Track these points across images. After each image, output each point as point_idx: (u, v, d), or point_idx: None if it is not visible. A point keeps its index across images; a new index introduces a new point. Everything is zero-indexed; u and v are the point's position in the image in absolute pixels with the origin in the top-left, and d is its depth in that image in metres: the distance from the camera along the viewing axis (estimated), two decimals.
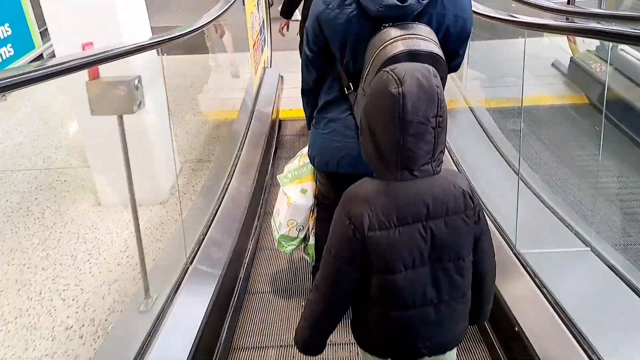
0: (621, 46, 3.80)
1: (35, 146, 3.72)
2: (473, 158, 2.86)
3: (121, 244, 2.72)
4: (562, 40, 4.69)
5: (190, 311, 1.71)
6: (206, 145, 3.72)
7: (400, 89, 1.01)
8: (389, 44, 1.32)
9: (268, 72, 4.32)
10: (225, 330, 1.90)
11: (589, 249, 1.85)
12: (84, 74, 1.38)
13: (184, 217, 2.75)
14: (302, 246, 2.13)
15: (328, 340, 1.25)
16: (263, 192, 3.01)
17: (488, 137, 3.12)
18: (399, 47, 1.29)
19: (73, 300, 2.36)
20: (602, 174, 2.87)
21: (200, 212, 2.35)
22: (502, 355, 1.76)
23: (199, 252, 2.01)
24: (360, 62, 1.44)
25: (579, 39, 4.50)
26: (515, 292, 1.76)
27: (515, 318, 1.65)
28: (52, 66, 1.08)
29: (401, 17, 1.36)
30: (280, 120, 4.07)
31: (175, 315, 1.64)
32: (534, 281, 1.73)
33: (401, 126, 1.02)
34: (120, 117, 1.46)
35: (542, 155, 3.16)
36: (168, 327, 1.58)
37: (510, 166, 2.73)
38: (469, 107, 3.68)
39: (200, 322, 1.68)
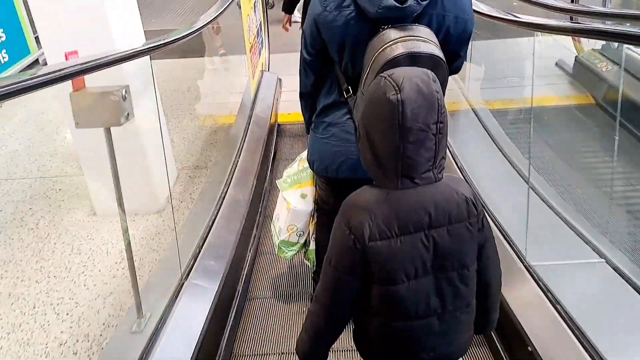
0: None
1: (30, 154, 3.66)
2: (478, 163, 2.78)
3: (117, 255, 2.65)
4: (566, 39, 4.61)
5: (186, 330, 1.64)
6: (203, 152, 3.65)
7: (399, 95, 0.99)
8: (388, 46, 1.29)
9: (266, 76, 4.25)
10: (223, 348, 1.83)
11: (603, 260, 1.77)
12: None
13: (180, 227, 2.69)
14: (303, 251, 2.10)
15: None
16: (262, 199, 2.94)
17: (493, 140, 3.04)
18: (399, 49, 1.27)
19: (67, 314, 2.29)
20: (615, 180, 2.79)
21: (196, 223, 2.28)
22: None
23: (194, 267, 1.94)
24: (359, 65, 1.40)
25: (583, 38, 4.42)
26: (526, 307, 1.68)
27: (528, 337, 1.57)
28: (29, 79, 1.00)
29: (400, 19, 1.33)
30: (279, 125, 4.00)
31: (170, 336, 1.57)
32: (547, 296, 1.65)
33: (401, 133, 0.99)
34: (108, 130, 1.38)
35: (550, 159, 3.08)
36: (162, 349, 1.51)
37: (516, 170, 2.65)
38: (472, 109, 3.60)
39: (196, 342, 1.61)
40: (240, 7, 3.34)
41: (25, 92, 0.95)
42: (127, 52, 1.51)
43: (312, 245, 2.04)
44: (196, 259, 2.00)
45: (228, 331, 1.92)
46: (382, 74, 1.05)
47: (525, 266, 1.82)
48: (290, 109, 4.15)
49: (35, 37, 4.74)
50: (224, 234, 2.27)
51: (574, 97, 4.37)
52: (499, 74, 4.38)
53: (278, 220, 2.04)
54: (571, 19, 4.38)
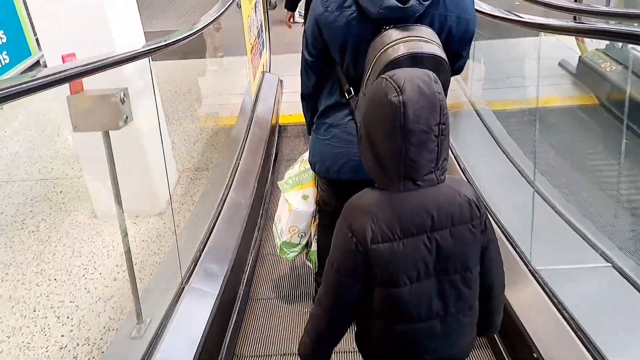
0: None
1: (30, 156, 3.65)
2: (480, 165, 2.76)
3: (117, 257, 2.63)
4: (569, 39, 4.58)
5: (186, 335, 1.62)
6: (204, 153, 3.63)
7: (400, 97, 0.98)
8: (390, 46, 1.28)
9: (267, 77, 4.23)
10: (224, 353, 1.81)
11: (610, 265, 1.74)
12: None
13: (180, 230, 2.67)
14: (304, 253, 2.10)
15: None
16: (263, 202, 2.92)
17: (496, 141, 3.01)
18: (401, 50, 1.26)
19: (68, 317, 2.28)
20: (622, 182, 2.76)
21: (196, 226, 2.26)
22: None
23: (195, 270, 1.92)
24: (361, 65, 1.40)
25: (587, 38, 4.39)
26: (532, 313, 1.66)
27: (534, 345, 1.54)
28: (25, 83, 0.98)
29: (402, 19, 1.32)
30: (280, 126, 3.98)
31: (170, 341, 1.55)
32: (552, 301, 1.62)
33: (403, 135, 0.98)
34: (106, 134, 1.36)
35: (553, 160, 3.05)
36: (162, 355, 1.49)
37: (519, 171, 2.62)
38: (475, 110, 3.58)
39: (196, 348, 1.59)
40: (240, 8, 3.32)
41: (22, 96, 0.93)
42: (125, 55, 1.50)
43: (314, 247, 2.03)
44: (197, 262, 1.98)
45: (229, 335, 1.90)
46: (382, 76, 1.04)
47: (529, 270, 1.80)
48: (292, 110, 4.13)
49: (36, 39, 4.74)
50: (225, 237, 2.25)
51: (577, 97, 4.34)
52: (501, 74, 4.35)
53: (280, 221, 2.03)
54: (575, 18, 4.35)
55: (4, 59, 4.19)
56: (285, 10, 3.98)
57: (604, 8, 3.86)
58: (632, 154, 3.13)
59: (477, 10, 1.53)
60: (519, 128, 3.32)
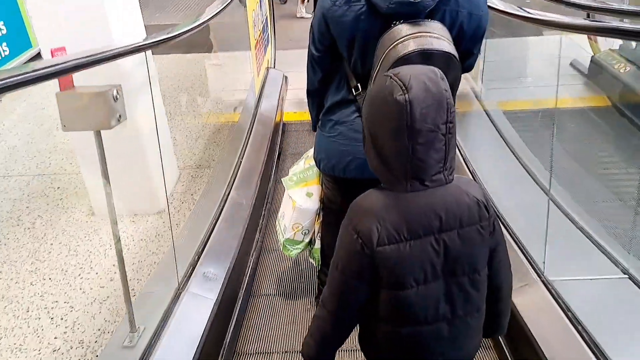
0: None
1: (28, 150, 3.57)
2: (491, 168, 2.67)
3: (114, 257, 2.52)
4: (581, 37, 4.48)
5: (182, 345, 1.54)
6: (206, 150, 3.55)
7: (406, 95, 0.95)
8: (399, 42, 1.26)
9: (271, 73, 4.15)
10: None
11: (627, 276, 1.66)
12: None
13: (180, 229, 2.60)
14: (308, 250, 2.09)
15: None
16: (265, 201, 2.84)
17: (507, 144, 2.92)
18: (411, 46, 1.24)
19: (62, 319, 2.21)
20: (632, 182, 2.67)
21: (196, 226, 2.18)
22: None
23: (193, 274, 1.84)
24: (369, 61, 1.37)
25: (600, 37, 4.29)
26: (545, 326, 1.57)
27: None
28: (9, 78, 0.90)
29: (413, 15, 1.29)
30: (284, 123, 3.90)
31: (164, 352, 1.47)
32: (567, 315, 1.54)
33: (409, 135, 0.96)
34: (98, 133, 1.28)
35: (561, 160, 2.96)
36: None
37: (529, 173, 2.54)
38: (485, 110, 3.49)
39: (192, 358, 1.50)
40: (241, 3, 3.24)
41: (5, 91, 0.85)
42: (121, 49, 1.41)
43: (318, 244, 2.01)
44: (195, 266, 1.91)
45: (227, 344, 1.82)
46: (386, 73, 1.01)
47: (542, 281, 1.71)
48: (297, 108, 4.06)
49: None
50: (225, 238, 2.18)
51: (589, 98, 4.24)
52: (513, 74, 4.27)
53: (283, 218, 2.01)
54: (588, 16, 4.25)
55: (3, 51, 4.12)
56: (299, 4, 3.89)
57: (618, 6, 3.77)
58: None
59: (489, 7, 1.47)
60: (526, 127, 3.24)
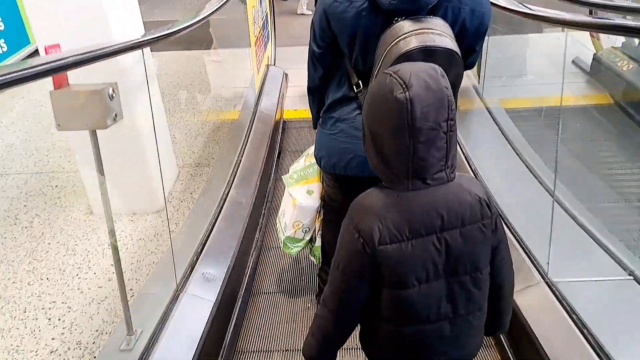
0: None
1: (27, 148, 3.54)
2: (492, 166, 2.64)
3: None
4: (583, 35, 4.45)
5: (180, 348, 1.52)
6: (206, 148, 3.52)
7: (407, 93, 0.93)
8: (401, 39, 1.24)
9: (272, 70, 4.11)
10: None
11: (632, 278, 1.63)
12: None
13: (179, 229, 2.57)
14: (309, 248, 2.08)
15: None
16: (265, 200, 2.82)
17: (509, 142, 2.89)
18: (412, 42, 1.23)
19: (59, 319, 2.18)
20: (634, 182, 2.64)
21: (195, 226, 2.15)
22: None
23: (191, 275, 1.82)
24: (371, 58, 1.36)
25: (602, 35, 4.26)
26: (548, 328, 1.55)
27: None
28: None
29: (415, 11, 1.28)
30: (284, 121, 3.87)
31: (162, 355, 1.45)
32: (571, 317, 1.51)
33: (410, 134, 0.95)
34: (93, 133, 1.25)
35: (569, 163, 2.93)
36: None
37: (531, 171, 2.51)
38: (487, 108, 3.45)
39: None
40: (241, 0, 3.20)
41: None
42: (118, 46, 1.38)
43: (318, 242, 2.00)
44: (194, 266, 1.88)
45: (226, 345, 1.80)
46: (385, 71, 1.00)
47: (546, 282, 1.69)
48: (297, 105, 4.02)
49: None
50: (224, 238, 2.16)
51: (591, 96, 4.21)
52: (514, 71, 4.23)
53: (284, 216, 2.00)
54: (590, 12, 4.21)
55: (1, 47, 4.08)
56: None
57: (622, 3, 3.73)
58: None
59: (492, 4, 1.44)
60: (532, 128, 3.20)
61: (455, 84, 1.34)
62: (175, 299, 1.68)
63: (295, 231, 1.96)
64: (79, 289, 2.34)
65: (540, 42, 4.19)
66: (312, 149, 1.83)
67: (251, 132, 3.10)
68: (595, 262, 1.76)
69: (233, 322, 1.90)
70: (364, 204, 1.05)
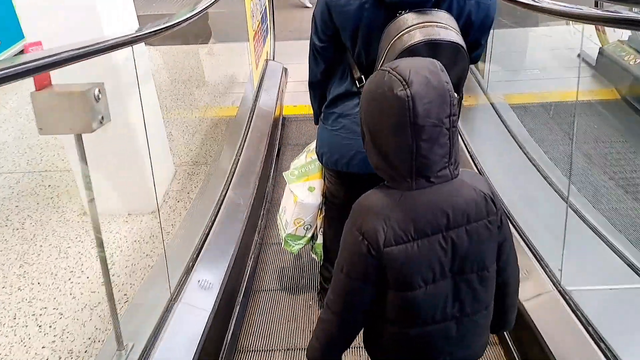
0: None
1: (19, 146, 3.45)
2: (496, 163, 2.56)
3: (107, 259, 2.44)
4: (588, 28, 4.36)
5: None
6: (203, 146, 3.43)
7: (408, 90, 0.91)
8: (405, 32, 1.22)
9: (271, 65, 4.02)
10: None
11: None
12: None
13: (175, 230, 2.49)
14: (310, 245, 2.06)
15: None
16: (264, 201, 2.74)
17: (514, 139, 2.81)
18: (417, 36, 1.20)
19: (50, 327, 2.10)
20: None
21: (190, 229, 2.07)
22: None
23: (187, 283, 1.74)
24: (374, 52, 1.33)
25: (608, 28, 4.18)
26: (562, 342, 1.47)
27: None
28: None
29: (419, 4, 1.25)
30: (284, 117, 3.78)
31: None
32: (587, 330, 1.43)
33: (412, 132, 0.93)
34: (79, 137, 1.16)
35: (567, 153, 2.85)
36: None
37: (538, 170, 2.43)
38: (491, 103, 3.37)
39: None
40: None
41: None
42: (111, 41, 1.28)
43: (320, 239, 1.99)
44: (189, 273, 1.80)
45: (224, 354, 1.72)
46: (383, 68, 0.98)
47: (559, 291, 1.61)
48: (297, 101, 3.94)
49: None
50: (221, 242, 2.08)
51: (597, 91, 4.14)
52: (517, 65, 4.16)
53: (285, 213, 1.97)
54: (596, 5, 4.12)
55: None
56: None
57: None
58: None
59: None
60: (539, 124, 3.13)
61: (461, 79, 1.31)
62: (169, 309, 1.60)
63: (296, 229, 1.93)
64: (71, 294, 2.26)
65: (544, 35, 4.11)
66: (313, 145, 1.81)
67: (250, 130, 3.01)
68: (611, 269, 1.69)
69: (230, 332, 1.83)
70: (366, 205, 1.03)
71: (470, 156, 2.68)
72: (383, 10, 1.29)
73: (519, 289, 1.18)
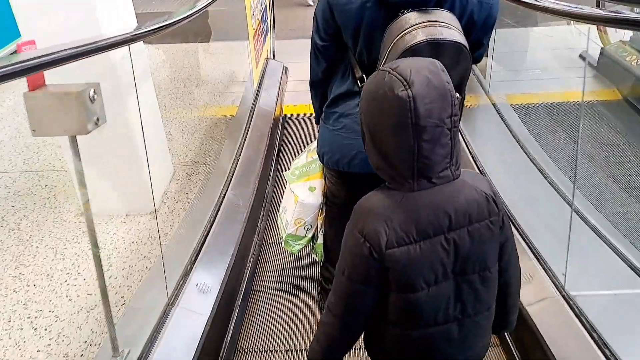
0: None
1: (16, 145, 3.41)
2: (497, 163, 2.54)
3: (104, 261, 2.41)
4: (594, 30, 4.34)
5: None
6: (202, 146, 3.40)
7: (409, 91, 0.90)
8: (407, 32, 1.21)
9: (271, 64, 3.99)
10: None
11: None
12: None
13: (174, 231, 2.46)
14: (311, 245, 2.05)
15: None
16: (264, 201, 2.70)
17: (517, 141, 2.78)
18: (419, 35, 1.19)
19: (46, 330, 2.07)
20: None
21: (188, 231, 2.04)
22: None
23: (184, 287, 1.71)
24: (376, 51, 1.33)
25: (610, 29, 4.15)
26: (566, 347, 1.44)
27: None
28: None
29: (421, 3, 1.25)
30: (284, 117, 3.75)
31: None
32: (592, 336, 1.40)
33: (414, 132, 0.92)
34: (74, 139, 1.13)
35: (570, 153, 2.83)
36: None
37: (542, 174, 2.40)
38: (493, 104, 3.35)
39: None
40: None
41: None
42: (109, 40, 1.25)
43: (320, 239, 1.98)
44: (187, 276, 1.77)
45: (224, 356, 1.69)
46: (383, 68, 0.97)
47: (563, 296, 1.58)
48: (297, 100, 3.91)
49: None
50: (220, 244, 2.05)
51: (599, 92, 4.12)
52: (520, 65, 4.13)
53: (285, 213, 1.96)
54: (598, 5, 4.10)
55: None
56: None
57: None
58: None
59: None
60: (540, 125, 3.10)
61: (464, 78, 1.30)
62: (166, 313, 1.57)
63: (297, 229, 1.92)
64: (67, 296, 2.23)
65: (545, 35, 4.09)
66: (314, 145, 1.80)
67: (249, 129, 2.98)
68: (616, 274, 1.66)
69: (229, 336, 1.80)
70: (367, 207, 1.02)
71: (472, 156, 2.66)
72: (385, 9, 1.28)
73: (521, 291, 1.17)
